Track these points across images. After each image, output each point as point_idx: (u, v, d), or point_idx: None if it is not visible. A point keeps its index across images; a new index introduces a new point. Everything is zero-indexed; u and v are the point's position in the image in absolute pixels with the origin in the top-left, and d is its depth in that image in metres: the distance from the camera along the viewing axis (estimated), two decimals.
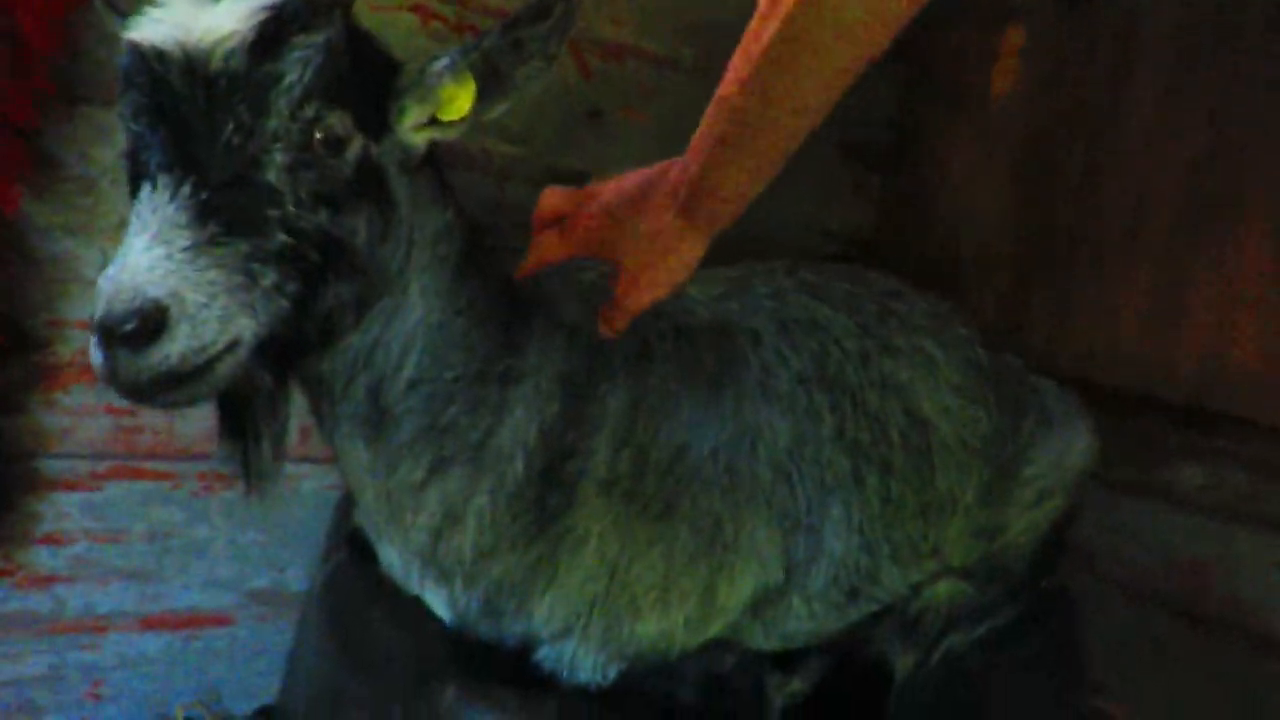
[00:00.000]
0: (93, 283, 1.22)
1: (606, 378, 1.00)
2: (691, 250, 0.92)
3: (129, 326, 0.67)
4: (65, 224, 1.21)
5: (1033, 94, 1.61)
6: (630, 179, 0.95)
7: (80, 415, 1.28)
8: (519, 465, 0.97)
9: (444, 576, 1.02)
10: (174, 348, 0.69)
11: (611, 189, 0.95)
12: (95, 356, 0.71)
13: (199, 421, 1.35)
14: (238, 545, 1.42)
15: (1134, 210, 1.42)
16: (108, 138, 1.20)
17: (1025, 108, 1.62)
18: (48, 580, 1.30)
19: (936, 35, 1.80)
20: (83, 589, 1.33)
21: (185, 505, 1.37)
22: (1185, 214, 1.34)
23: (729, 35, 1.67)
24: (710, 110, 0.84)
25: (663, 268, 0.92)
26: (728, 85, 0.81)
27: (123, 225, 1.22)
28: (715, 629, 1.04)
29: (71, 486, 1.29)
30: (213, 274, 0.72)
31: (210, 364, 0.72)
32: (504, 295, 0.98)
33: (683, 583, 1.00)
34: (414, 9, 1.38)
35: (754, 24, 0.78)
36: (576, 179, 1.57)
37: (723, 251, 1.55)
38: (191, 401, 0.76)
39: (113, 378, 0.70)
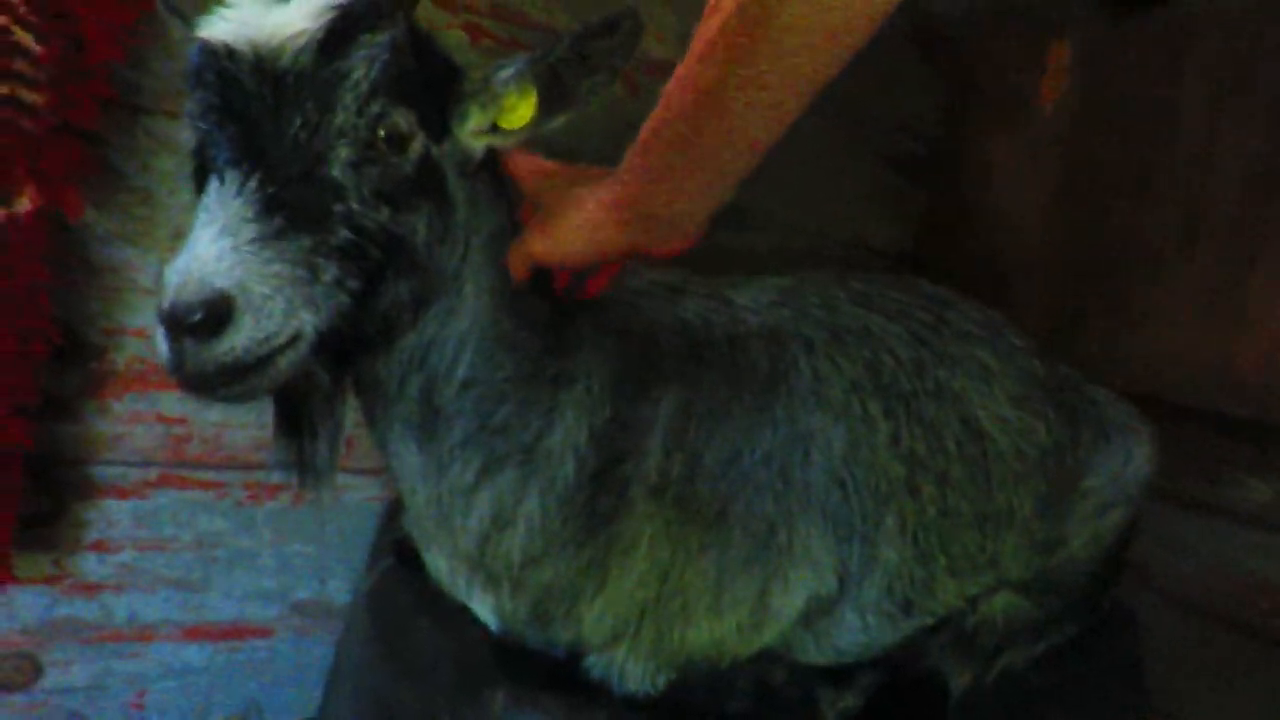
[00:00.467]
0: (149, 292, 1.26)
1: (658, 381, 0.99)
2: (610, 224, 0.87)
3: (196, 317, 0.67)
4: (124, 233, 1.23)
5: (1081, 104, 1.60)
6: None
7: (132, 423, 1.29)
8: (570, 468, 0.96)
9: (492, 582, 1.00)
10: (239, 339, 0.69)
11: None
12: (161, 347, 0.71)
13: (247, 431, 1.37)
14: (282, 556, 1.43)
15: (1188, 217, 1.39)
16: (168, 149, 1.23)
17: (1073, 118, 1.60)
18: (95, 588, 1.31)
19: (979, 47, 1.79)
20: (129, 597, 1.33)
21: (231, 515, 1.38)
22: (1242, 220, 1.32)
23: None
24: (651, 119, 0.81)
25: (574, 227, 0.88)
26: (666, 104, 0.79)
27: (179, 236, 1.26)
28: (768, 637, 1.02)
29: (121, 494, 1.30)
30: (277, 267, 0.72)
31: (273, 356, 0.73)
32: (555, 298, 0.98)
33: (735, 589, 0.98)
34: (465, 26, 1.40)
35: (691, 58, 0.77)
36: None
37: (768, 265, 1.55)
38: (253, 395, 0.76)
39: (178, 369, 0.71)
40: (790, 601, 1.01)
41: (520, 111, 0.87)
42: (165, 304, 0.68)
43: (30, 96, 1.05)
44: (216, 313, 0.68)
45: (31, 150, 1.05)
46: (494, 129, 0.88)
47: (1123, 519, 1.16)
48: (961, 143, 1.82)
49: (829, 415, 1.04)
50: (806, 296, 1.13)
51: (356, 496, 1.46)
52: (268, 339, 0.71)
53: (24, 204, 1.07)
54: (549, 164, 0.97)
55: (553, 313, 0.96)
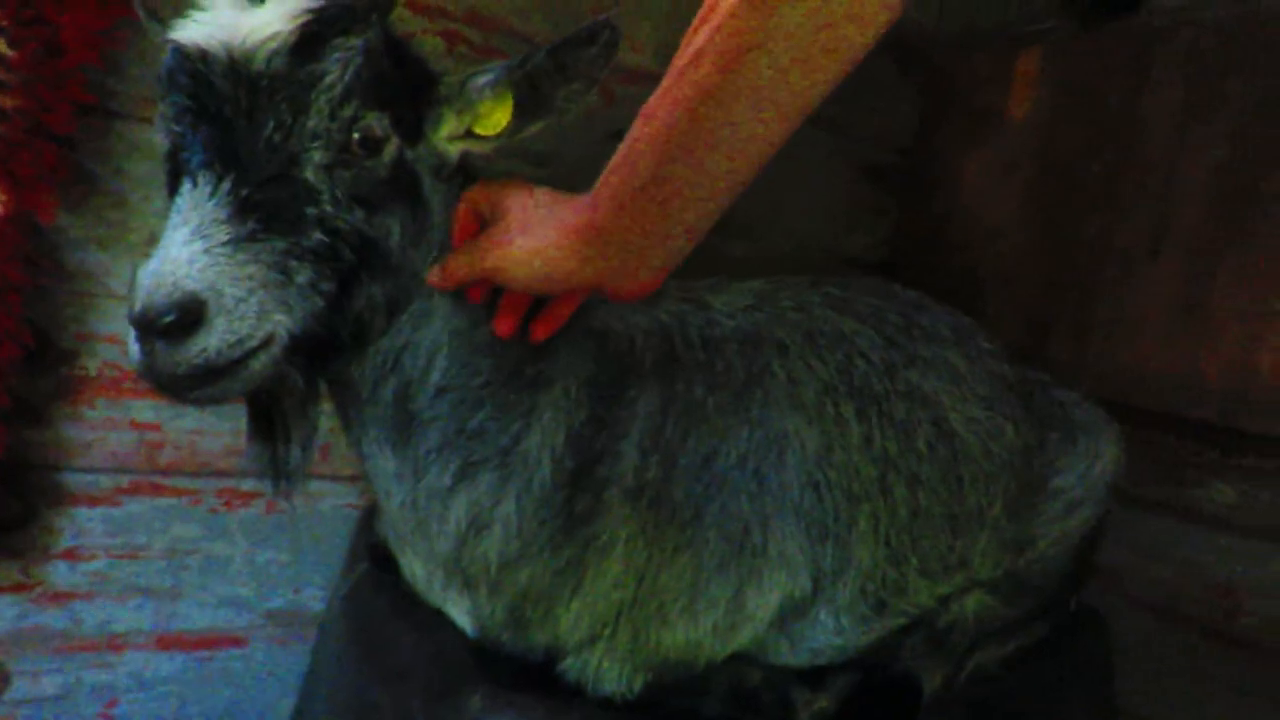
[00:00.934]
0: (122, 297, 1.25)
1: (635, 383, 1.00)
2: (573, 252, 0.83)
3: (167, 319, 0.68)
4: (97, 238, 1.22)
5: (1050, 115, 1.63)
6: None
7: (104, 429, 1.28)
8: (547, 470, 0.96)
9: (468, 585, 1.01)
10: (211, 341, 0.70)
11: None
12: (132, 350, 0.71)
13: (221, 438, 1.36)
14: (256, 564, 1.41)
15: (1155, 226, 1.43)
16: (142, 154, 1.22)
17: (1043, 128, 1.64)
18: (66, 596, 1.29)
19: (953, 60, 1.83)
20: (100, 606, 1.32)
21: (205, 522, 1.37)
22: (1207, 228, 1.35)
23: None
24: (626, 140, 0.81)
25: (534, 246, 0.84)
26: (643, 122, 0.79)
27: (153, 241, 1.24)
28: (743, 639, 1.03)
29: (93, 501, 1.29)
30: (250, 269, 0.73)
31: (245, 359, 0.73)
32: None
33: (711, 590, 0.99)
34: (441, 32, 1.41)
35: (675, 75, 0.76)
36: None
37: (745, 272, 1.56)
38: (226, 397, 0.77)
39: (149, 371, 0.71)
40: (765, 603, 1.02)
41: (496, 118, 0.88)
42: (137, 306, 0.69)
43: (3, 101, 1.04)
44: (188, 314, 0.68)
45: (4, 154, 1.05)
46: (469, 134, 0.89)
47: (1091, 518, 1.18)
48: (936, 154, 1.85)
49: (803, 417, 1.06)
50: (781, 300, 1.15)
51: (331, 503, 1.46)
52: (240, 341, 0.72)
53: None
54: (517, 180, 0.93)
55: (530, 315, 0.97)
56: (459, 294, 0.92)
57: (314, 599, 1.47)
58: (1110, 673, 1.28)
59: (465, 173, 0.93)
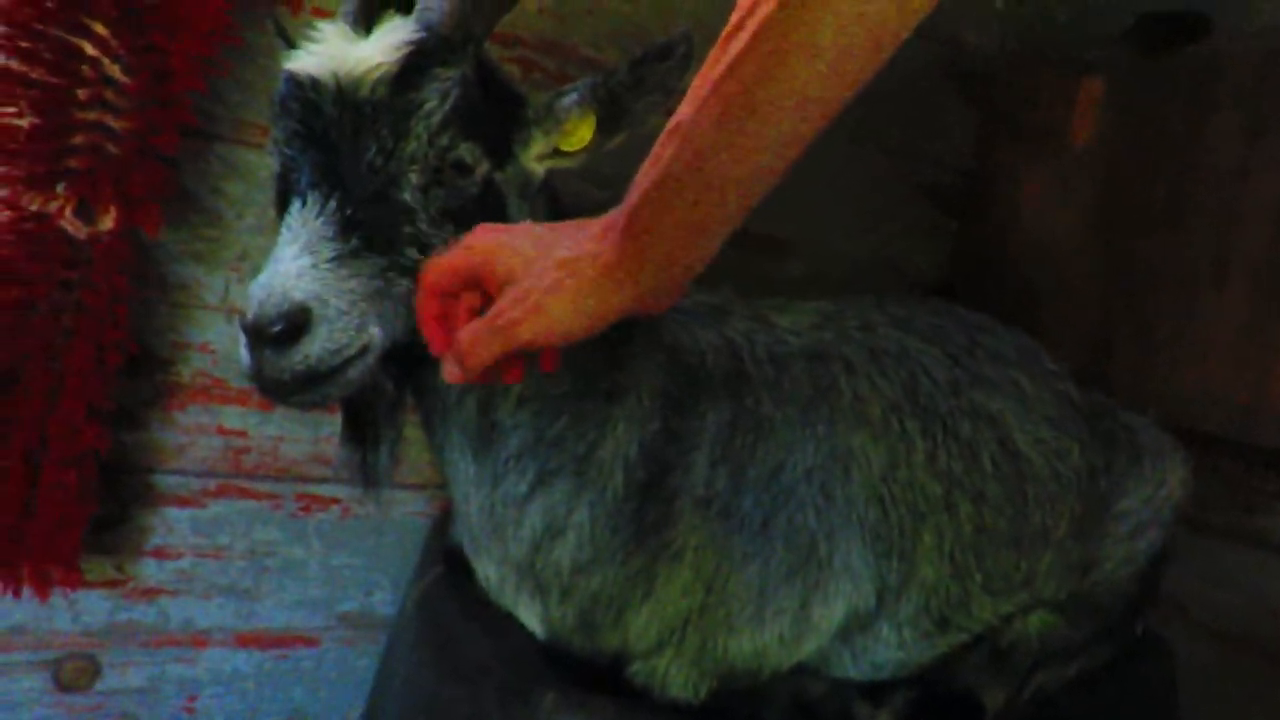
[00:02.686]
0: (215, 309, 1.32)
1: (706, 398, 1.04)
2: (614, 287, 0.76)
3: (276, 328, 0.73)
4: (193, 252, 1.30)
5: (1113, 139, 1.64)
6: (565, 224, 0.83)
7: (194, 434, 1.34)
8: (619, 479, 1.00)
9: (541, 589, 1.04)
10: (313, 348, 0.75)
11: (536, 225, 0.85)
12: (242, 356, 0.77)
13: (301, 444, 1.42)
14: (330, 567, 1.47)
15: (1219, 251, 1.42)
16: (237, 174, 1.30)
17: (1105, 152, 1.64)
18: (154, 593, 1.36)
19: (1013, 82, 1.84)
20: (185, 603, 1.38)
21: (284, 525, 1.43)
22: (1273, 252, 1.34)
23: None
24: (662, 137, 0.75)
25: (573, 296, 0.76)
26: (680, 116, 0.72)
27: (244, 257, 1.32)
28: (807, 650, 1.05)
29: (182, 502, 1.35)
30: (352, 283, 0.78)
31: (344, 366, 0.78)
32: None
33: (778, 599, 1.01)
34: (518, 60, 1.46)
35: (708, 70, 0.71)
36: None
37: (805, 292, 1.59)
38: (325, 401, 0.82)
39: (257, 375, 0.76)
40: (830, 614, 1.04)
41: (580, 134, 0.92)
42: (249, 315, 0.74)
43: (117, 123, 1.12)
44: (294, 323, 0.74)
45: (117, 173, 1.12)
46: (556, 152, 0.93)
47: (1156, 542, 1.18)
48: (995, 175, 1.86)
49: (868, 434, 1.08)
50: (846, 319, 1.17)
51: (403, 510, 1.51)
52: (340, 349, 0.77)
53: (107, 222, 1.13)
54: (510, 236, 0.83)
55: (607, 330, 1.00)
56: None
57: (383, 603, 1.52)
58: (1175, 699, 1.26)
59: (548, 190, 0.97)
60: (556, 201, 1.00)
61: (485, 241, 0.81)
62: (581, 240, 0.78)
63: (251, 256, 1.32)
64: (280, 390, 0.77)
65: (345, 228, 0.79)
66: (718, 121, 0.69)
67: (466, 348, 0.79)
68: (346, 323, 0.77)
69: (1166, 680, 1.28)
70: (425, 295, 0.81)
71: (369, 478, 0.94)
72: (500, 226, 0.84)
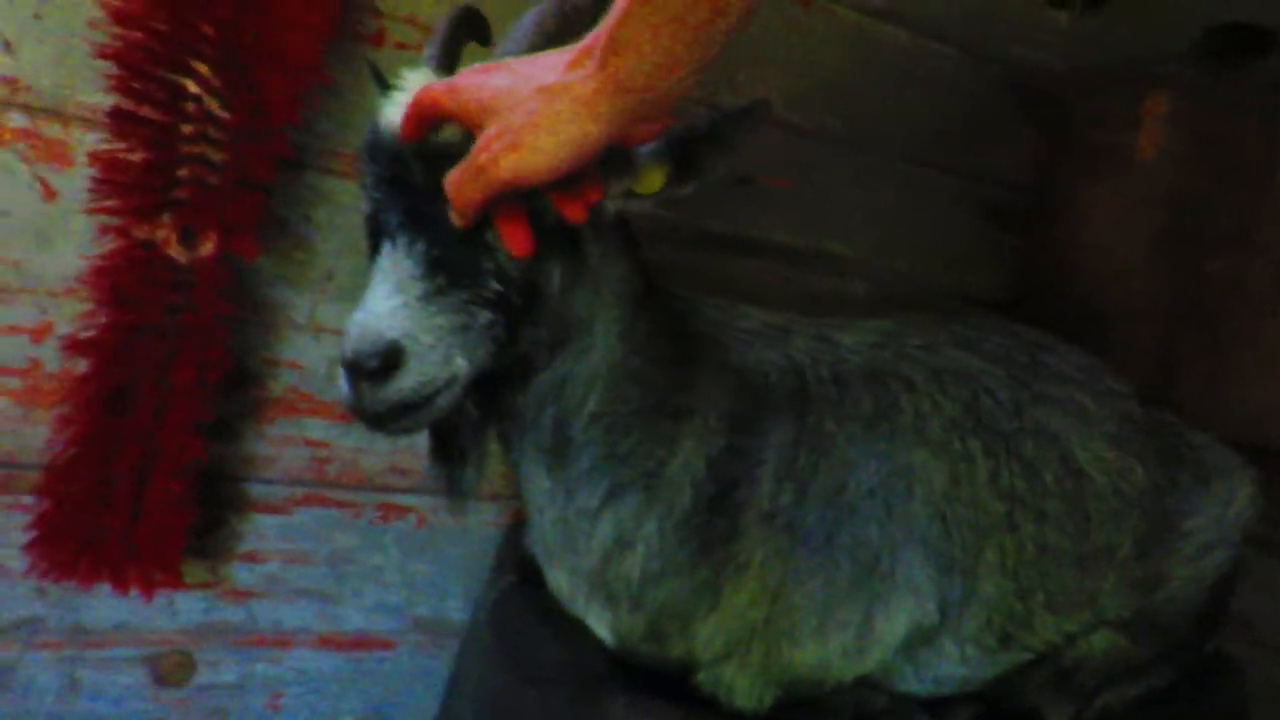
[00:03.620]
0: (302, 327, 1.40)
1: (770, 415, 1.07)
2: (591, 114, 0.74)
3: (373, 364, 0.80)
4: (283, 275, 1.38)
5: (1180, 155, 1.63)
6: (546, 53, 0.82)
7: (282, 445, 1.42)
8: (687, 494, 1.04)
9: (611, 599, 1.09)
10: (406, 382, 0.81)
11: (518, 59, 0.83)
12: (342, 389, 0.84)
13: (380, 456, 1.49)
14: (406, 573, 1.54)
15: None
16: (325, 200, 1.38)
17: (1172, 168, 1.63)
18: (244, 595, 1.44)
19: (1076, 100, 1.84)
20: (271, 605, 1.46)
21: (364, 533, 1.50)
22: None
23: (870, 109, 1.77)
24: None
25: (549, 129, 0.74)
26: None
27: (330, 278, 1.40)
28: (870, 663, 1.07)
29: (270, 510, 1.43)
30: (439, 319, 0.84)
31: (434, 396, 0.84)
32: (675, 335, 1.07)
33: (842, 612, 1.04)
34: None
35: None
36: (724, 243, 1.68)
37: (864, 311, 1.61)
38: (418, 428, 0.89)
39: (356, 406, 0.83)
40: (893, 628, 1.06)
41: (653, 179, 0.95)
42: (348, 352, 0.80)
43: (217, 156, 1.20)
44: (390, 360, 0.80)
45: (217, 203, 1.20)
46: (628, 193, 0.97)
47: (1224, 561, 1.18)
48: (1059, 193, 1.86)
49: (929, 452, 1.10)
50: (907, 338, 1.20)
51: (476, 520, 1.57)
52: (429, 381, 0.83)
53: (208, 249, 1.22)
54: (491, 75, 0.81)
55: (676, 350, 1.05)
56: (615, 330, 1.00)
57: (456, 609, 1.58)
58: (1245, 719, 1.25)
59: (620, 222, 1.02)
60: (629, 227, 1.04)
61: (459, 80, 0.80)
62: (559, 68, 0.76)
63: (337, 278, 1.40)
64: (377, 420, 0.84)
65: (432, 267, 0.85)
66: None
67: (452, 191, 0.81)
68: (435, 356, 0.83)
69: (1236, 700, 1.27)
70: (404, 120, 0.84)
71: (456, 492, 1.00)
72: (482, 67, 0.83)
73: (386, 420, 0.84)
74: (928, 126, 1.81)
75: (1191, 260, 1.60)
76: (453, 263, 0.86)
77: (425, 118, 0.84)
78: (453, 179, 0.81)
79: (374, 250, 0.92)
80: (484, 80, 0.79)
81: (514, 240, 0.87)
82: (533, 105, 0.75)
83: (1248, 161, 1.51)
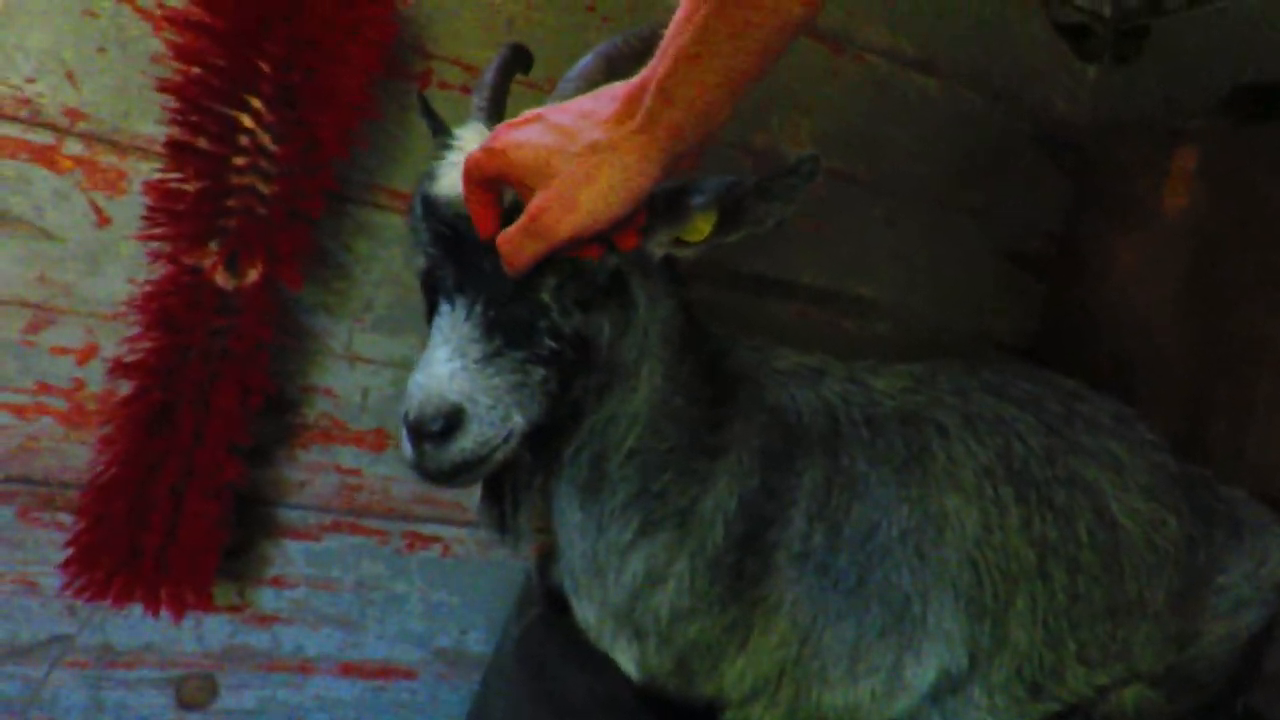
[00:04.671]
0: (339, 355, 1.42)
1: (803, 455, 1.08)
2: (641, 168, 0.78)
3: (436, 426, 0.82)
4: (323, 304, 1.40)
5: (1206, 207, 1.64)
6: (583, 95, 0.85)
7: (314, 472, 1.44)
8: (720, 532, 1.05)
9: (639, 635, 1.09)
10: (467, 442, 0.84)
11: (558, 105, 0.85)
12: (405, 448, 0.86)
13: (410, 485, 1.50)
14: (430, 603, 1.54)
15: None
16: (366, 232, 1.41)
17: (1198, 220, 1.64)
18: (269, 619, 1.45)
19: (1103, 150, 1.86)
20: (296, 631, 1.47)
21: (390, 561, 1.51)
22: None
23: (899, 153, 1.79)
24: (687, 3, 0.75)
25: (601, 183, 0.78)
26: None
27: (369, 308, 1.42)
28: (899, 708, 1.07)
29: (298, 535, 1.44)
30: (497, 380, 0.86)
31: (492, 453, 0.87)
32: (713, 374, 1.08)
33: (872, 655, 1.04)
34: None
35: None
36: (751, 282, 1.70)
37: (892, 352, 1.62)
38: (474, 481, 0.91)
39: (419, 465, 0.86)
40: (923, 673, 1.06)
41: (701, 228, 0.97)
42: (411, 415, 0.83)
43: (266, 188, 1.23)
44: (450, 422, 0.83)
45: (264, 232, 1.22)
46: (676, 241, 0.98)
47: (1258, 619, 1.17)
48: (1086, 241, 1.87)
49: (962, 498, 1.10)
50: (939, 384, 1.21)
51: (500, 554, 1.57)
52: (488, 441, 0.86)
53: (253, 276, 1.24)
54: (530, 131, 0.82)
55: (713, 389, 1.06)
56: (660, 371, 1.01)
57: (478, 641, 1.58)
58: None
59: (667, 263, 1.04)
60: (675, 267, 1.06)
61: (503, 141, 0.82)
62: (606, 120, 0.78)
63: (375, 309, 1.43)
64: (439, 477, 0.87)
65: (489, 329, 0.87)
66: None
67: (509, 251, 0.84)
68: (493, 416, 0.86)
69: None
70: (468, 195, 0.86)
71: (508, 533, 1.01)
72: (518, 121, 0.84)
73: (447, 477, 0.87)
74: (956, 172, 1.83)
75: (1217, 312, 1.60)
76: (509, 323, 0.88)
77: (487, 185, 0.86)
78: (510, 238, 0.83)
79: (430, 305, 0.94)
80: (529, 139, 0.81)
81: (590, 251, 0.89)
82: (586, 164, 0.78)
83: (1273, 216, 1.52)
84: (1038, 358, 1.91)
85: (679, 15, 0.77)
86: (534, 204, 0.81)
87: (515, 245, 0.83)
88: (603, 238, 0.87)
